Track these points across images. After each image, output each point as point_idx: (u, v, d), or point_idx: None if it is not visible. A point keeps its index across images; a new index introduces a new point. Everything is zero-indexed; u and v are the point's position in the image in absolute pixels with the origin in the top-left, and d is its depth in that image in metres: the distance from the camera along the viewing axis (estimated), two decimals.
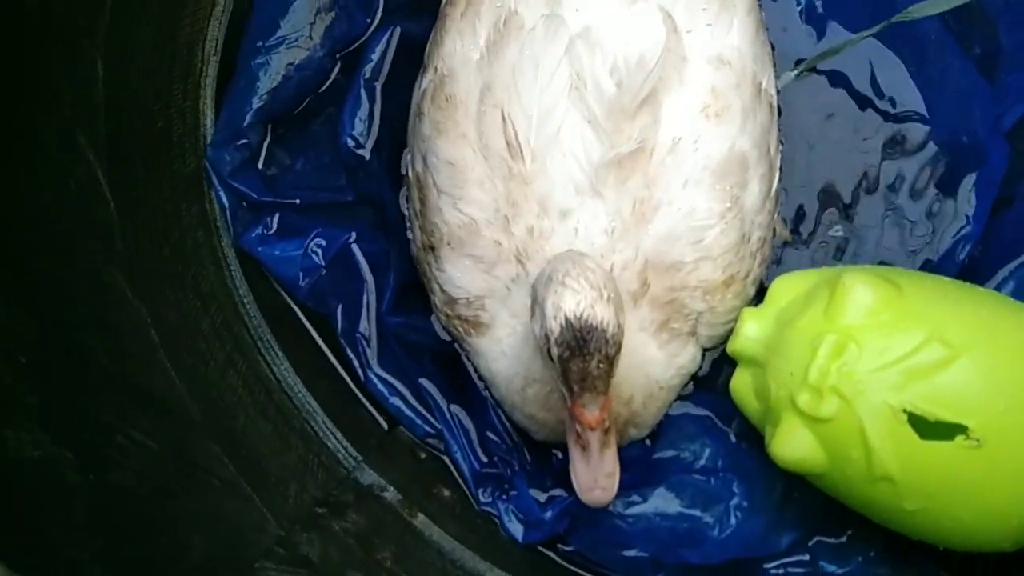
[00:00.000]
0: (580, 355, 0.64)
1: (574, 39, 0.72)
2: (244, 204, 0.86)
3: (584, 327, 0.64)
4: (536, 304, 0.68)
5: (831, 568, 0.74)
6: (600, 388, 0.65)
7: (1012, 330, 0.66)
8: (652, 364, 0.74)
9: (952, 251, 0.78)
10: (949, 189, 0.79)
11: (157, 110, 0.85)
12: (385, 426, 0.83)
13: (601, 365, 0.64)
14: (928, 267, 0.78)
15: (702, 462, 0.76)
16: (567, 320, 0.64)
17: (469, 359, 0.80)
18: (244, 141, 0.86)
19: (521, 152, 0.73)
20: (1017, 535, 0.66)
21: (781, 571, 0.75)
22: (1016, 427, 0.63)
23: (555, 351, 0.65)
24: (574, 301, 0.64)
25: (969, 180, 0.79)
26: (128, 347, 0.76)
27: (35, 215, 0.74)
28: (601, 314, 0.64)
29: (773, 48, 0.81)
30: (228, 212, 0.85)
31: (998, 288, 0.76)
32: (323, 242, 0.85)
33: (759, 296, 0.77)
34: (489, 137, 0.74)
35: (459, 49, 0.77)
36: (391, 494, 0.79)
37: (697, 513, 0.73)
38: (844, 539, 0.75)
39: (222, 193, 0.85)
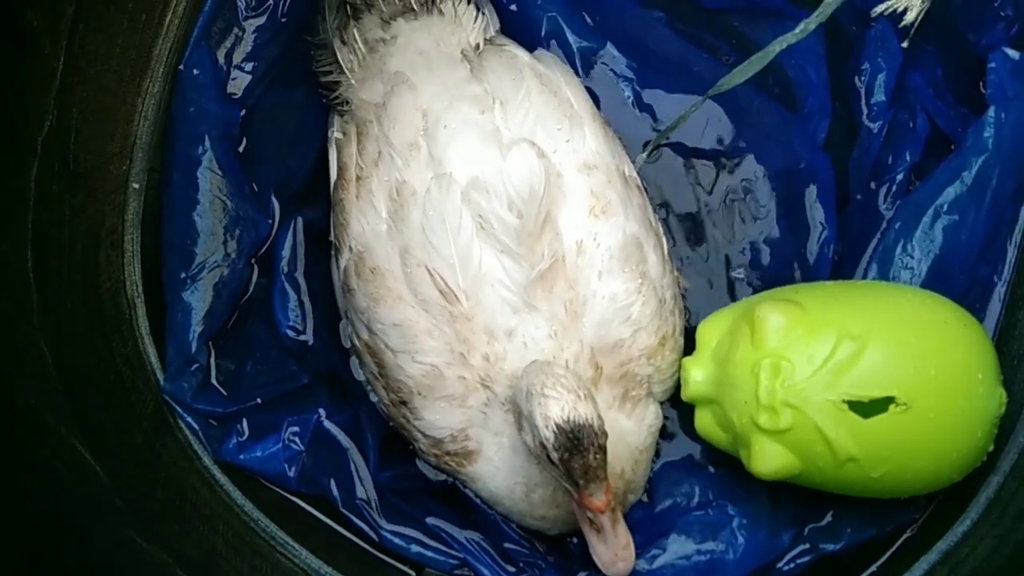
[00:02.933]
0: (578, 453, 0.73)
1: (467, 190, 0.83)
2: (212, 422, 0.91)
3: (575, 428, 0.73)
4: (524, 419, 0.77)
5: (830, 547, 0.85)
6: (602, 475, 0.74)
7: (894, 308, 0.81)
8: (628, 434, 0.83)
9: (822, 253, 0.92)
10: (799, 206, 0.94)
11: (104, 366, 0.89)
12: (414, 573, 0.88)
13: (598, 456, 0.73)
14: (809, 270, 0.92)
15: (696, 499, 0.86)
16: (558, 427, 0.73)
17: (467, 487, 0.87)
18: (197, 365, 0.91)
19: (456, 296, 0.82)
20: (961, 466, 0.79)
21: (792, 565, 0.85)
22: (929, 382, 0.76)
23: (555, 456, 0.74)
24: (558, 407, 0.74)
25: (811, 193, 0.94)
26: None
27: (39, 507, 0.77)
28: (585, 412, 0.74)
29: (620, 139, 0.94)
30: (200, 434, 0.89)
31: (865, 272, 0.91)
32: (296, 428, 0.90)
33: (688, 343, 0.89)
34: (423, 292, 0.83)
35: (366, 227, 0.86)
36: None
37: (710, 544, 0.83)
38: (830, 519, 0.86)
39: (190, 419, 0.89)
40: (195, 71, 0.93)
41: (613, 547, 0.77)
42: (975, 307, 0.86)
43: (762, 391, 0.77)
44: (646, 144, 0.96)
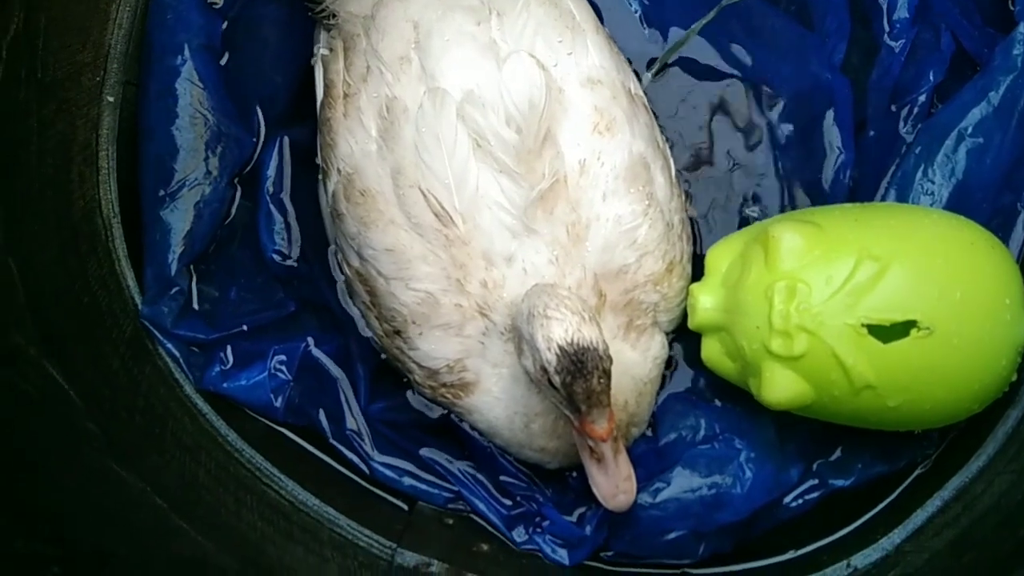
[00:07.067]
0: (582, 376, 0.69)
1: (462, 105, 0.78)
2: (194, 348, 0.86)
3: (578, 350, 0.69)
4: (524, 342, 0.73)
5: (839, 483, 0.82)
6: (605, 401, 0.70)
7: (918, 229, 0.76)
8: (633, 365, 0.79)
9: (837, 179, 0.88)
10: (815, 129, 0.90)
11: (79, 288, 0.85)
12: (406, 507, 0.85)
13: (602, 380, 0.70)
14: (824, 197, 0.88)
15: (702, 432, 0.83)
16: (561, 348, 0.69)
17: (464, 419, 0.84)
18: (177, 289, 0.86)
19: (451, 218, 0.77)
20: (982, 396, 0.76)
21: (800, 501, 0.82)
22: (954, 306, 0.72)
23: (557, 379, 0.70)
24: (562, 329, 0.70)
25: (829, 117, 0.89)
26: (144, 524, 0.75)
27: (7, 430, 0.73)
28: (589, 334, 0.70)
29: (626, 56, 0.89)
30: (182, 361, 0.85)
31: (884, 197, 0.87)
32: (283, 357, 0.87)
33: (697, 271, 0.84)
34: (417, 215, 0.78)
35: (355, 147, 0.81)
36: (436, 566, 0.82)
37: (717, 478, 0.80)
38: (839, 454, 0.83)
39: (169, 345, 0.85)
40: None
41: (614, 478, 0.74)
42: (997, 235, 0.82)
43: (775, 315, 0.73)
44: (652, 61, 0.91)
